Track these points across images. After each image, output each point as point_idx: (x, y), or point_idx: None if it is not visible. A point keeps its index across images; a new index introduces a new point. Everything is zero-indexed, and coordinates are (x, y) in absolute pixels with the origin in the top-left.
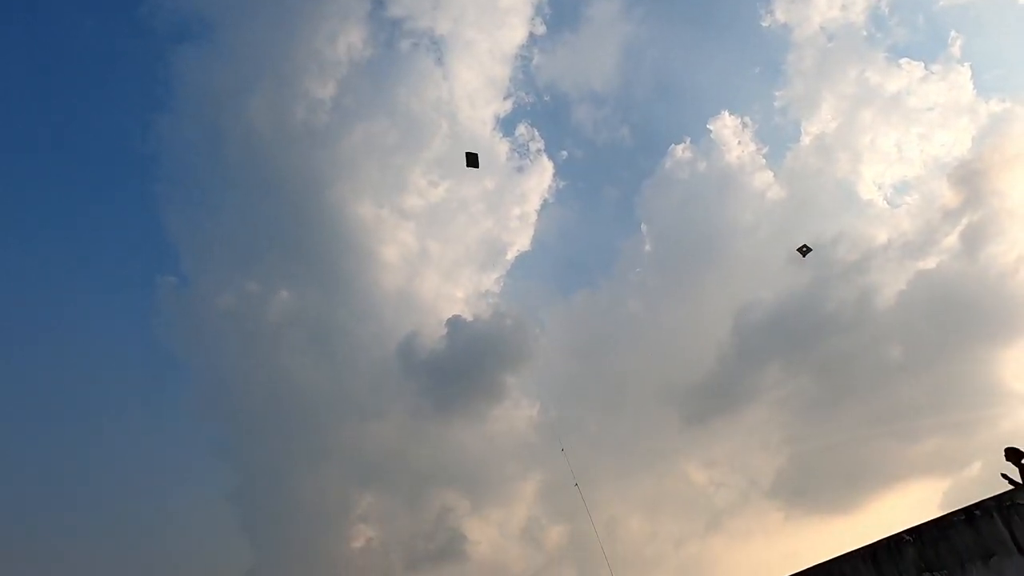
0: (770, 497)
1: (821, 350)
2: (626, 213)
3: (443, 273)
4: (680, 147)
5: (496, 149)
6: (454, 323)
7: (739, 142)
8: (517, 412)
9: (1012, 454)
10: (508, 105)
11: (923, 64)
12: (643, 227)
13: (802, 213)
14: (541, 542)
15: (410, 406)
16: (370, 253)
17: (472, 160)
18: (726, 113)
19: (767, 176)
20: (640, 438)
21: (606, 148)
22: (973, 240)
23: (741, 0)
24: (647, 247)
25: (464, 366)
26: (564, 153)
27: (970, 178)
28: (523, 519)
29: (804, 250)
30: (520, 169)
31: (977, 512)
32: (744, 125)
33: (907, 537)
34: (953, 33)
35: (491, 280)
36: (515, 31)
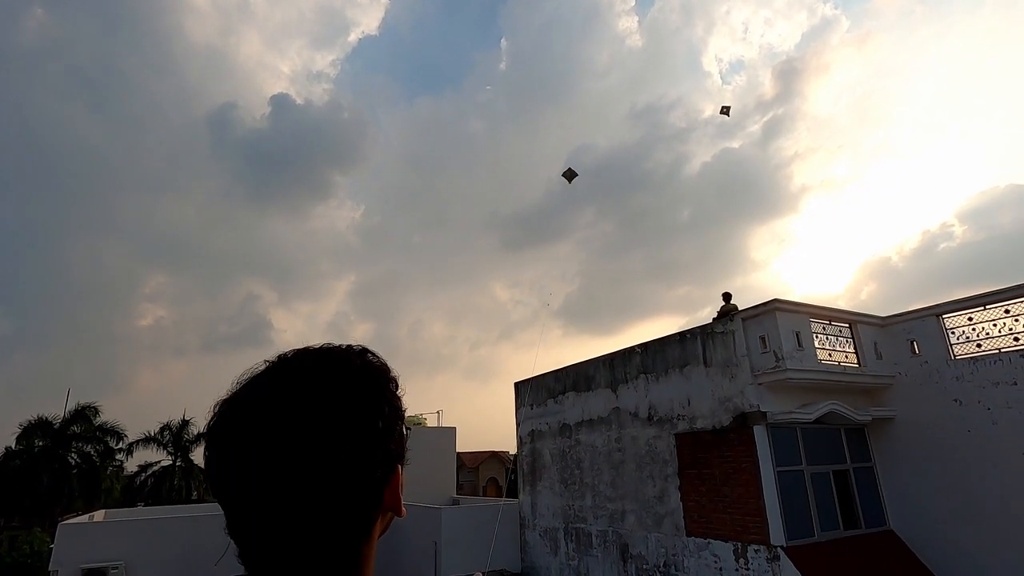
0: (555, 317)
1: (630, 202)
2: (489, 21)
3: (268, 38)
4: None
5: None
6: (280, 102)
7: None
8: (341, 212)
9: (724, 296)
10: None
11: None
12: (503, 42)
13: (652, 69)
14: (347, 336)
15: (219, 186)
16: None
17: (570, 175)
18: None
19: (632, 22)
20: (459, 255)
21: None
22: (770, 131)
23: None
24: (503, 65)
25: (289, 154)
26: None
27: (788, 74)
28: (332, 314)
29: (569, 174)
30: None
31: (687, 336)
32: None
33: (637, 349)
34: None
35: (327, 61)
36: None
